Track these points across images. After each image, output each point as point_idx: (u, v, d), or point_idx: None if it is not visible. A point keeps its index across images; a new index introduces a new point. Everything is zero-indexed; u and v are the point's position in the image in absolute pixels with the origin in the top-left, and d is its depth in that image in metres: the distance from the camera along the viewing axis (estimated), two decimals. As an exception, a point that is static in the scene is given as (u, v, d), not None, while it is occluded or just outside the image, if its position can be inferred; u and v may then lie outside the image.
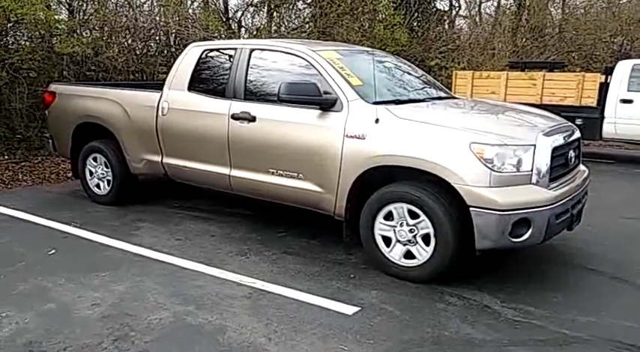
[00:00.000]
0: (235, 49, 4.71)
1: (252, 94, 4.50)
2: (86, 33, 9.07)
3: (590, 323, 3.21)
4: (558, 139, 3.78)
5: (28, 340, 2.93)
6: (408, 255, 3.77)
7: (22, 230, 4.85)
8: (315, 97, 3.97)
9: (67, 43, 7.97)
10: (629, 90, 8.69)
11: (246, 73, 4.55)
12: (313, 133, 4.07)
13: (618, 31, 16.79)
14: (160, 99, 5.04)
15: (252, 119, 4.38)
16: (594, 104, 8.94)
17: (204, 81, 4.87)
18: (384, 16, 14.16)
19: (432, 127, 3.63)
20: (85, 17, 9.10)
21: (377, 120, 3.79)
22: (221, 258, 4.21)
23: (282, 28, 14.57)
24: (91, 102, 5.61)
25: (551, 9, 18.38)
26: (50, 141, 6.23)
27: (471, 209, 3.41)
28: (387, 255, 3.85)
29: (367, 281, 3.79)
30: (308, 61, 4.24)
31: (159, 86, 5.42)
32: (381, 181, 3.89)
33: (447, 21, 17.95)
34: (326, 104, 4.01)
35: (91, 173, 5.77)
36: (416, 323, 3.18)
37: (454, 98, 4.94)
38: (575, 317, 3.27)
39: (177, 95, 4.94)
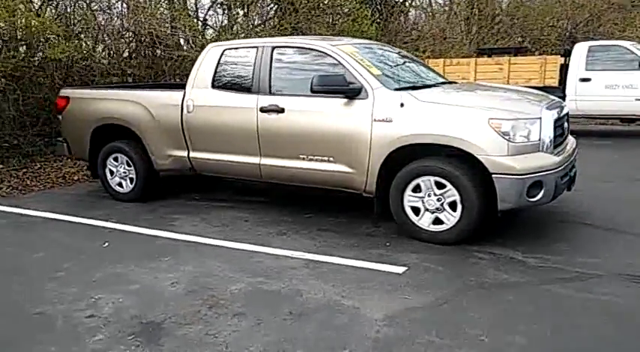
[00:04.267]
0: (257, 47, 5.12)
1: (278, 88, 4.93)
2: (74, 39, 9.19)
3: (599, 263, 3.85)
4: (555, 113, 4.41)
5: (132, 314, 3.31)
6: (436, 221, 4.32)
7: (64, 228, 5.14)
8: (343, 87, 4.46)
9: (57, 48, 8.09)
10: (586, 70, 9.57)
11: (270, 69, 4.97)
12: (342, 120, 4.55)
13: (564, 16, 17.95)
14: (183, 98, 5.40)
15: (281, 110, 4.82)
16: (556, 84, 9.78)
17: (228, 78, 5.26)
18: (347, 9, 14.69)
19: (454, 108, 4.19)
20: (72, 21, 9.23)
21: (402, 105, 4.32)
22: (264, 239, 4.64)
23: (250, 25, 14.90)
24: (111, 104, 5.90)
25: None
26: (65, 144, 6.44)
27: (493, 175, 3.99)
28: (417, 223, 4.39)
29: (403, 247, 4.32)
30: (331, 56, 4.71)
31: (163, 86, 5.75)
32: (404, 159, 4.41)
33: (404, 12, 18.68)
34: (352, 93, 4.50)
35: (112, 172, 6.05)
36: (459, 274, 3.74)
37: (453, 82, 5.52)
38: (586, 260, 3.91)
39: (201, 93, 5.31)
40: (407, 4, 20.75)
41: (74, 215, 5.50)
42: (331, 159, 4.67)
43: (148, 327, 3.16)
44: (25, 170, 7.80)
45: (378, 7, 16.05)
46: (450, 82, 5.47)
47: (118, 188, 6.07)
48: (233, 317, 3.24)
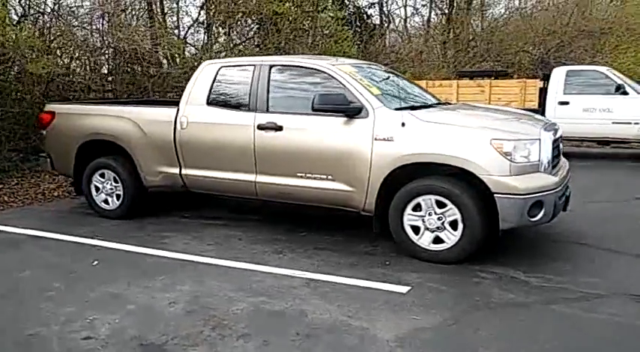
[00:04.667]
0: (254, 65, 5.08)
1: (276, 106, 4.88)
2: (54, 54, 9.02)
3: (600, 283, 3.87)
4: (552, 134, 4.47)
5: (131, 335, 3.17)
6: (437, 240, 4.30)
7: (49, 246, 4.94)
8: (344, 106, 4.44)
9: (39, 63, 7.91)
10: (565, 94, 9.81)
11: (268, 87, 4.93)
12: (342, 138, 4.53)
13: (536, 42, 18.50)
14: (177, 114, 5.30)
15: (279, 128, 4.77)
16: (536, 107, 9.99)
17: (223, 95, 5.19)
18: (328, 31, 14.83)
19: (456, 128, 4.22)
20: (50, 37, 9.06)
21: (403, 124, 4.32)
22: (260, 257, 4.55)
23: (231, 44, 14.89)
24: (100, 120, 5.76)
25: (478, 22, 19.88)
26: (48, 159, 6.26)
27: (495, 195, 4.00)
28: (416, 242, 4.36)
29: (403, 266, 4.27)
30: (330, 75, 4.69)
31: (151, 102, 5.66)
32: (403, 178, 4.40)
33: (384, 35, 18.99)
34: (353, 112, 4.48)
35: (98, 189, 5.88)
36: (464, 294, 3.71)
37: (447, 103, 5.57)
38: (587, 280, 3.92)
39: (196, 110, 5.22)
40: (384, 27, 21.13)
41: (58, 232, 5.30)
42: (330, 177, 4.62)
43: (149, 349, 3.03)
44: (0, 186, 7.53)
45: (358, 29, 16.26)
46: (444, 103, 5.51)
47: (103, 205, 5.89)
48: (238, 338, 3.13)
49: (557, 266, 4.23)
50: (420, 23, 22.61)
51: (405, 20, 22.84)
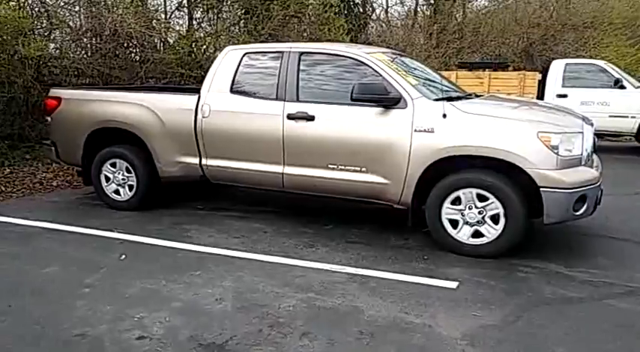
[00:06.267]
0: (281, 52, 4.91)
1: (306, 95, 4.73)
2: (46, 34, 8.61)
3: (645, 277, 3.89)
4: (591, 127, 4.46)
5: (187, 335, 3.01)
6: (476, 234, 4.24)
7: (69, 240, 4.70)
8: (383, 96, 4.32)
9: (34, 45, 7.53)
10: (563, 86, 9.90)
11: (298, 75, 4.76)
12: (378, 129, 4.41)
13: (520, 34, 18.65)
14: (198, 102, 5.09)
15: (311, 118, 4.62)
16: (535, 99, 10.04)
17: (248, 83, 5.00)
18: (317, 19, 14.56)
19: (501, 120, 4.15)
20: (47, 18, 8.64)
21: (444, 115, 4.22)
22: (294, 251, 4.41)
23: (216, 29, 14.48)
24: (113, 106, 5.50)
25: (463, 13, 19.93)
26: (53, 148, 5.96)
27: (541, 189, 3.95)
28: (454, 236, 4.29)
29: (442, 261, 4.20)
30: (366, 64, 4.56)
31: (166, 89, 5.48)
32: (441, 171, 4.31)
33: (369, 24, 18.85)
34: (391, 102, 4.36)
35: (108, 179, 5.64)
36: (515, 289, 3.66)
37: (477, 94, 5.48)
38: (632, 274, 3.92)
39: (219, 97, 5.03)
40: (368, 16, 20.94)
41: (72, 224, 5.05)
42: (364, 169, 4.51)
43: (211, 350, 2.88)
44: (-7, 174, 7.18)
45: (346, 17, 16.06)
46: (475, 94, 5.41)
47: (114, 195, 5.65)
48: (301, 337, 3.01)
49: (596, 260, 4.22)
50: (403, 13, 22.56)
51: (386, 10, 22.76)
